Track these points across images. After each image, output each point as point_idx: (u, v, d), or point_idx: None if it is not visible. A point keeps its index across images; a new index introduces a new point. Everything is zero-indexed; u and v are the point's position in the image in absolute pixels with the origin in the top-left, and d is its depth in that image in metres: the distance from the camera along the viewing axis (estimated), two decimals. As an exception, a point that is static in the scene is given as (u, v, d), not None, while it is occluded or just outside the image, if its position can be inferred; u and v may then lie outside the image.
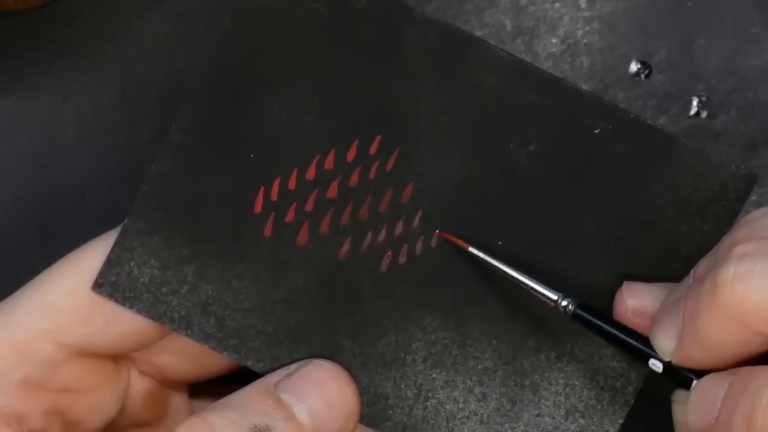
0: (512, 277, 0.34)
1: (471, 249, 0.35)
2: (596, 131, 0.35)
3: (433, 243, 0.35)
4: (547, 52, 0.46)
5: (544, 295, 0.34)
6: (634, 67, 0.46)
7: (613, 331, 0.33)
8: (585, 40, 0.46)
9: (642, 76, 0.46)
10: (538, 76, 0.35)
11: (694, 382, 0.31)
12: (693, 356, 0.31)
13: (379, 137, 0.35)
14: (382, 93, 0.35)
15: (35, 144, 0.46)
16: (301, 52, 0.35)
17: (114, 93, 0.46)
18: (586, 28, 0.46)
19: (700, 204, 0.35)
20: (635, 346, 0.32)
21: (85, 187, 0.46)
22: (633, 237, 0.35)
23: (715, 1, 0.46)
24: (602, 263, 0.35)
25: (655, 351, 0.32)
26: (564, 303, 0.33)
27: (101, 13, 0.47)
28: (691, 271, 0.32)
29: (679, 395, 0.32)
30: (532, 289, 0.34)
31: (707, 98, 0.46)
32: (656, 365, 0.32)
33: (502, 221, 0.35)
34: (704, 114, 0.46)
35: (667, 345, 0.31)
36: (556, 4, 0.46)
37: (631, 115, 0.35)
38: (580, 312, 0.33)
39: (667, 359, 0.31)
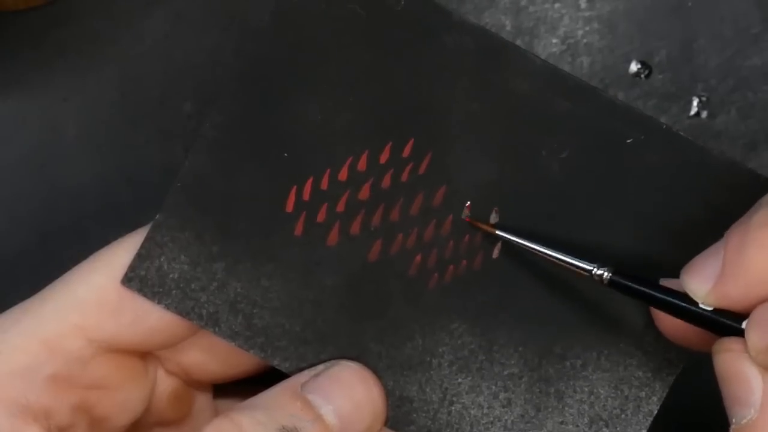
0: (543, 253, 0.34)
1: (498, 232, 0.35)
2: (629, 141, 0.35)
3: (463, 248, 0.35)
4: (547, 52, 0.46)
5: (577, 266, 0.33)
6: (634, 67, 0.46)
7: (652, 291, 0.32)
8: (585, 40, 0.46)
9: (642, 76, 0.46)
10: (572, 84, 0.35)
11: (744, 322, 0.30)
12: (732, 293, 0.31)
13: (412, 140, 0.35)
14: (416, 96, 0.35)
15: (35, 144, 0.46)
16: (338, 53, 0.35)
17: (114, 93, 0.46)
18: (586, 28, 0.46)
19: (732, 216, 0.34)
20: (674, 302, 0.32)
21: (85, 187, 0.46)
22: (664, 248, 0.35)
23: (715, 1, 0.46)
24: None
25: (697, 301, 0.31)
26: (599, 272, 0.33)
27: (101, 13, 0.47)
28: (724, 235, 0.31)
29: (725, 343, 0.31)
30: (565, 262, 0.33)
31: (707, 98, 0.46)
32: (707, 308, 0.31)
33: (532, 228, 0.35)
34: (704, 114, 0.46)
35: (701, 287, 0.31)
36: (556, 4, 0.46)
37: (664, 126, 0.35)
38: (616, 278, 0.33)
39: (700, 302, 0.31)
